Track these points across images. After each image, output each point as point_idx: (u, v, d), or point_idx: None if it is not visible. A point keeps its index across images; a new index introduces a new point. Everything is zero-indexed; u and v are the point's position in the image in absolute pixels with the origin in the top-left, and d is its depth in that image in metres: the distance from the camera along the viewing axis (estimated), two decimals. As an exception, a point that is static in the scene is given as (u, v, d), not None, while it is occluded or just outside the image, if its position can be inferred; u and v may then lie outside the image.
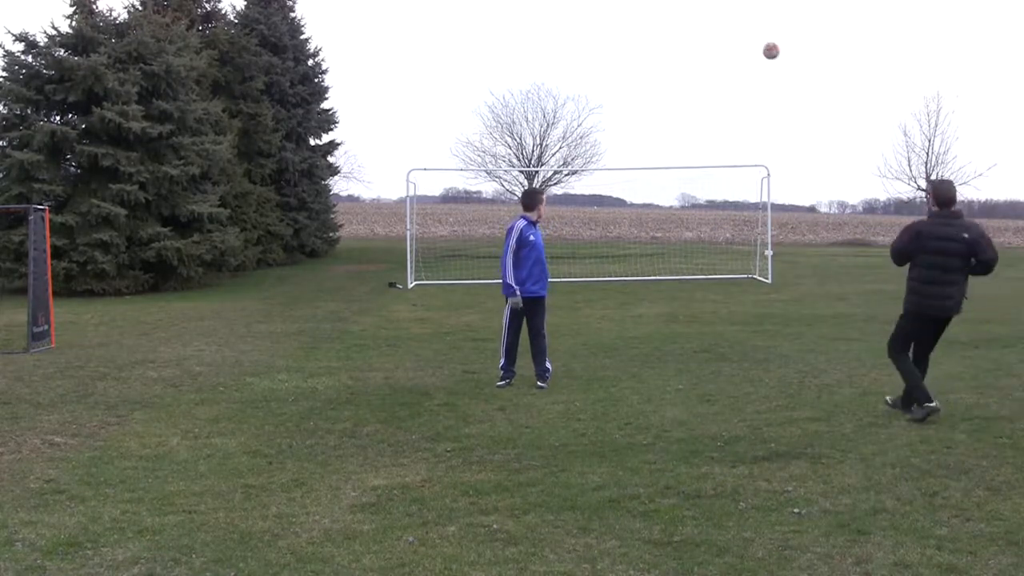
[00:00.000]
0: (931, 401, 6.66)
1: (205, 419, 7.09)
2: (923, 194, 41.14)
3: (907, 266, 6.95)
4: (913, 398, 6.79)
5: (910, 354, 6.97)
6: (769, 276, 20.52)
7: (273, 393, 8.09)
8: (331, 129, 30.56)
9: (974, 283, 6.94)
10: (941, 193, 6.87)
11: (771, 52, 12.00)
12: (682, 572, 4.05)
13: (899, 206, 66.46)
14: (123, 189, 17.69)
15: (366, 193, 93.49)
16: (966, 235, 6.67)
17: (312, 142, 29.47)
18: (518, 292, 8.22)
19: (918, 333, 6.94)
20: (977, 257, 6.69)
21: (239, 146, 23.10)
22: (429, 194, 73.15)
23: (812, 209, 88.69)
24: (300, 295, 17.96)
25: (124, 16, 20.16)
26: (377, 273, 22.90)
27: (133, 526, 4.65)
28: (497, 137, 40.50)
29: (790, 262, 26.42)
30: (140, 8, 21.40)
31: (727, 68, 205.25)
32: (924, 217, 7.01)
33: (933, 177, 40.32)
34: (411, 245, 21.09)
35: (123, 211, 17.62)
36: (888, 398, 7.22)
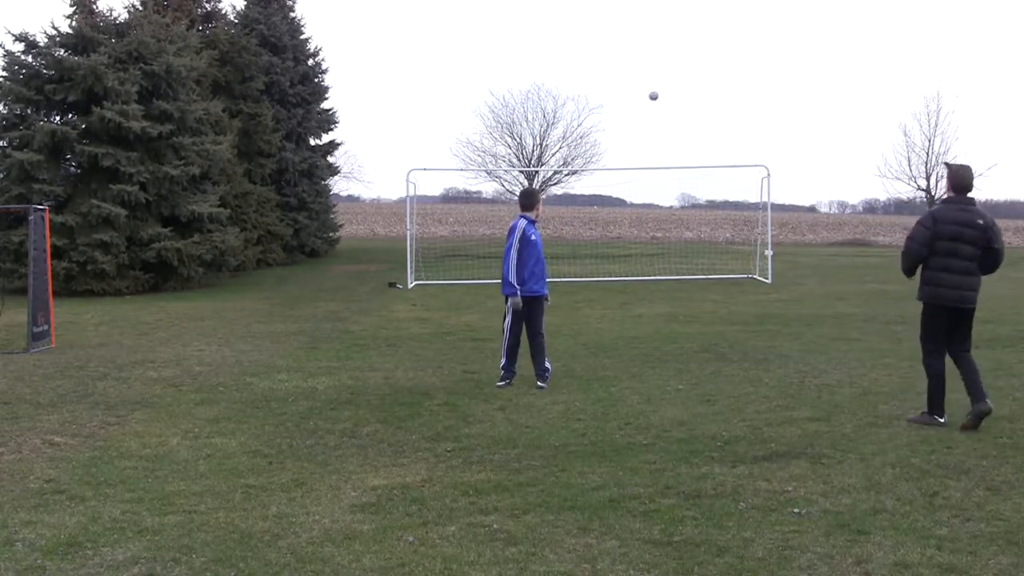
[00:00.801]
0: (942, 417, 6.58)
1: (205, 419, 7.09)
2: (923, 194, 41.13)
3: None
4: (928, 401, 6.69)
5: (943, 358, 6.64)
6: (769, 276, 20.52)
7: (273, 393, 8.09)
8: (331, 129, 30.61)
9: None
10: (959, 178, 6.58)
11: (654, 97, 14.88)
12: (682, 572, 4.05)
13: (899, 206, 66.47)
14: (123, 189, 17.69)
15: (366, 193, 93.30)
16: (981, 221, 6.45)
17: (312, 142, 29.49)
18: (519, 292, 8.24)
19: (940, 326, 6.63)
20: (990, 245, 6.45)
21: (239, 146, 23.11)
22: (429, 194, 73.05)
23: (812, 209, 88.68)
24: (300, 295, 17.97)
25: (124, 16, 20.22)
26: (377, 273, 22.91)
27: (133, 526, 4.65)
28: (497, 137, 40.58)
29: (790, 262, 26.42)
30: (140, 8, 21.43)
31: (727, 68, 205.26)
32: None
33: (934, 176, 40.19)
34: (411, 245, 21.11)
35: (123, 211, 17.63)
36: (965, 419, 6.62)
